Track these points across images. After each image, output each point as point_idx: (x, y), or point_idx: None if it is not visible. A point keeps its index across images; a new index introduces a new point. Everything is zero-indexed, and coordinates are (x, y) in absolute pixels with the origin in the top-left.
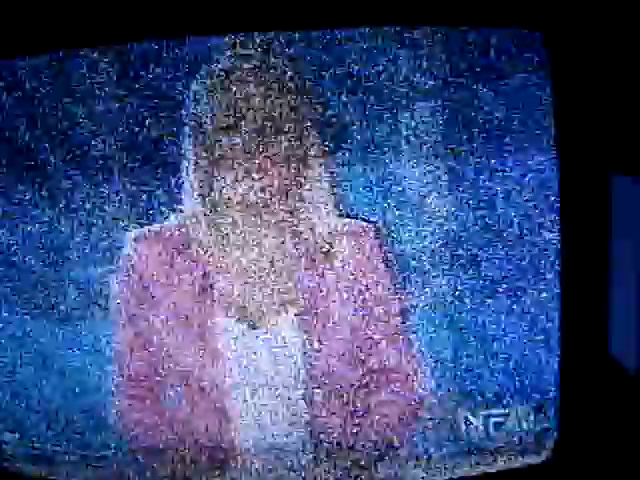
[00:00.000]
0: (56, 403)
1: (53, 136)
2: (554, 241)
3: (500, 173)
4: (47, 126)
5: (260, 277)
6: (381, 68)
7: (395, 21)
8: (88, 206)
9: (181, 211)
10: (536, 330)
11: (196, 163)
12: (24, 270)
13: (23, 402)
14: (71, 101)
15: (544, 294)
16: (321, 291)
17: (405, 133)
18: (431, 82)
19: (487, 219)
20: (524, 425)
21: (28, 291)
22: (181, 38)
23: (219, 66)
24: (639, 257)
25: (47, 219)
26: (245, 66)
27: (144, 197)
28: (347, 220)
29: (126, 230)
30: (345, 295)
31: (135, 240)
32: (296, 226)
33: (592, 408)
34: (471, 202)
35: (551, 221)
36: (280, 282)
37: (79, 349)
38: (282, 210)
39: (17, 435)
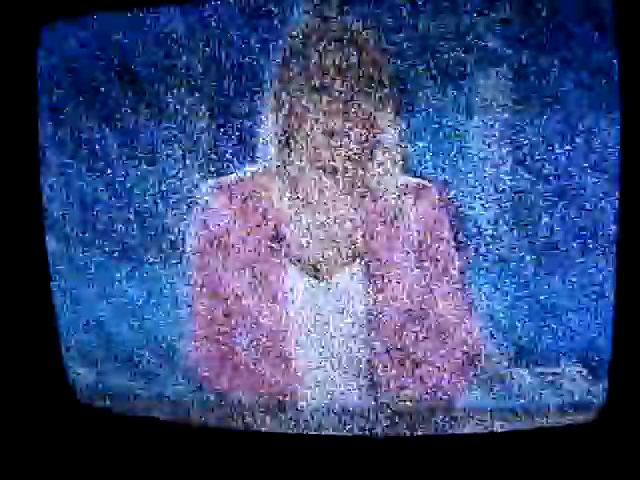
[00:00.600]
0: (130, 343)
1: (134, 83)
2: (612, 207)
3: (562, 137)
4: (129, 74)
5: (328, 231)
6: (450, 31)
7: None
8: (165, 154)
9: (256, 163)
10: (591, 292)
11: (275, 118)
12: (104, 214)
13: (99, 340)
14: (154, 52)
15: (600, 257)
16: (386, 246)
17: (470, 96)
18: (498, 46)
19: (548, 183)
20: (575, 384)
21: (107, 235)
22: None
23: (301, 26)
24: None
25: (125, 165)
26: (326, 27)
27: (221, 147)
28: (413, 178)
29: (203, 179)
30: (408, 250)
31: (211, 189)
32: (365, 183)
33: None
34: (533, 165)
35: (608, 189)
36: (347, 237)
37: (154, 292)
38: (353, 168)
39: (90, 370)
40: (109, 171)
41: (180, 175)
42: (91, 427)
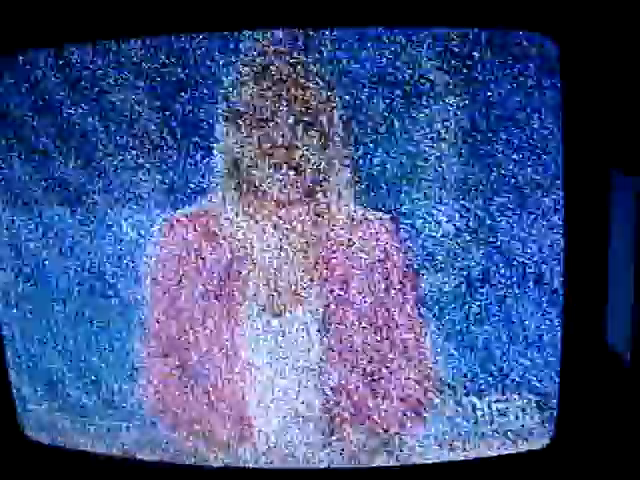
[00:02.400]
0: (85, 374)
1: (90, 116)
2: (557, 242)
3: (510, 163)
4: (86, 107)
5: (283, 266)
6: (403, 65)
7: (415, 22)
8: (120, 188)
9: (210, 197)
10: (539, 323)
11: (225, 151)
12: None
13: (50, 371)
14: (107, 86)
15: (547, 289)
16: (340, 279)
17: (424, 129)
18: (448, 80)
19: (497, 211)
20: (525, 413)
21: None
22: (215, 31)
23: (252, 59)
24: (634, 251)
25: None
26: (275, 61)
27: (175, 181)
28: (366, 210)
29: (157, 213)
30: (363, 283)
31: (165, 223)
32: (319, 216)
33: (590, 399)
34: (485, 195)
35: (554, 222)
36: (305, 270)
37: (108, 325)
38: (307, 201)
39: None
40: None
41: (134, 208)
42: (39, 464)
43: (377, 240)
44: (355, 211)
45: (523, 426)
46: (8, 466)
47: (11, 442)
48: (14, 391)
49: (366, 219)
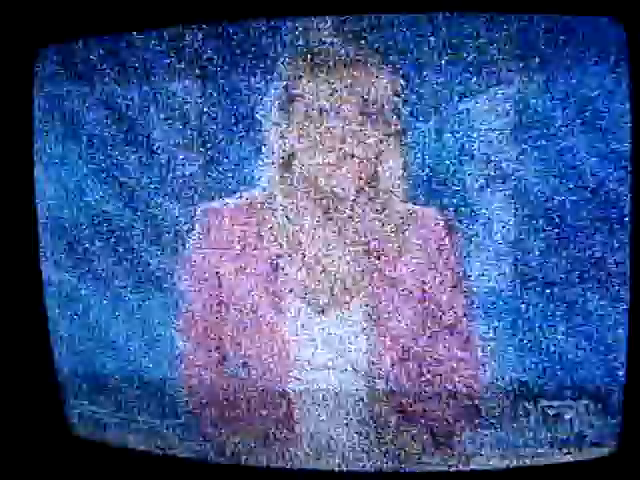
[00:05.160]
0: (127, 372)
1: (138, 108)
2: (624, 241)
3: (569, 164)
4: (130, 98)
5: (330, 263)
6: (461, 52)
7: (474, 7)
8: (165, 177)
9: (262, 188)
10: (602, 324)
11: (276, 144)
12: (106, 240)
13: (95, 370)
14: (163, 72)
15: (613, 290)
16: (389, 279)
17: (478, 119)
18: (509, 69)
19: (553, 217)
20: (585, 419)
21: (109, 259)
22: (280, 17)
23: (308, 47)
24: None
25: (130, 188)
26: (332, 49)
27: (226, 170)
28: (416, 207)
29: (199, 203)
30: (411, 283)
31: (207, 213)
32: (372, 212)
33: None
34: (539, 195)
35: (620, 228)
36: (349, 269)
37: (149, 318)
38: (359, 195)
39: (84, 403)
40: (111, 191)
41: (177, 199)
42: (86, 460)
43: (428, 237)
44: (407, 206)
45: (584, 433)
46: (55, 462)
47: (58, 438)
48: (61, 388)
49: (418, 215)
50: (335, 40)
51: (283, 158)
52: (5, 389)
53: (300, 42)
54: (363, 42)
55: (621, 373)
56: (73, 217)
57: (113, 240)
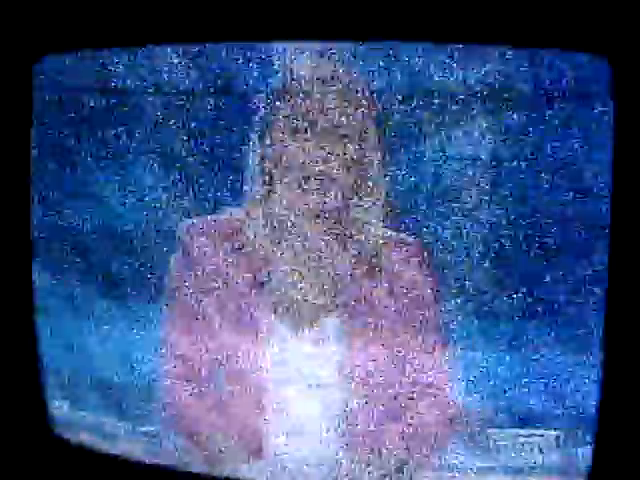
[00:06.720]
0: (107, 376)
1: (123, 123)
2: (603, 270)
3: (547, 195)
4: (115, 114)
5: (309, 281)
6: (442, 82)
7: (458, 39)
8: (150, 192)
9: (239, 205)
10: (577, 354)
11: (260, 161)
12: (87, 249)
13: (77, 373)
14: (143, 91)
15: (588, 318)
16: (365, 299)
17: (457, 150)
18: (490, 100)
19: (532, 237)
20: (557, 447)
21: (91, 270)
22: (258, 41)
23: (290, 71)
24: None
25: (113, 200)
26: (314, 72)
27: (205, 188)
28: (394, 232)
29: (185, 218)
30: (388, 305)
31: (192, 228)
32: (349, 234)
33: (627, 434)
34: (517, 222)
35: (596, 249)
36: (328, 287)
37: (133, 329)
38: (338, 218)
39: (68, 403)
40: (97, 206)
41: (165, 213)
42: (66, 461)
43: (403, 263)
44: (383, 231)
45: (553, 461)
46: (37, 462)
47: (40, 440)
48: (44, 390)
49: (394, 240)
50: (314, 65)
51: (264, 179)
52: None
53: (278, 66)
54: (342, 68)
55: (593, 404)
56: (69, 228)
57: (96, 254)
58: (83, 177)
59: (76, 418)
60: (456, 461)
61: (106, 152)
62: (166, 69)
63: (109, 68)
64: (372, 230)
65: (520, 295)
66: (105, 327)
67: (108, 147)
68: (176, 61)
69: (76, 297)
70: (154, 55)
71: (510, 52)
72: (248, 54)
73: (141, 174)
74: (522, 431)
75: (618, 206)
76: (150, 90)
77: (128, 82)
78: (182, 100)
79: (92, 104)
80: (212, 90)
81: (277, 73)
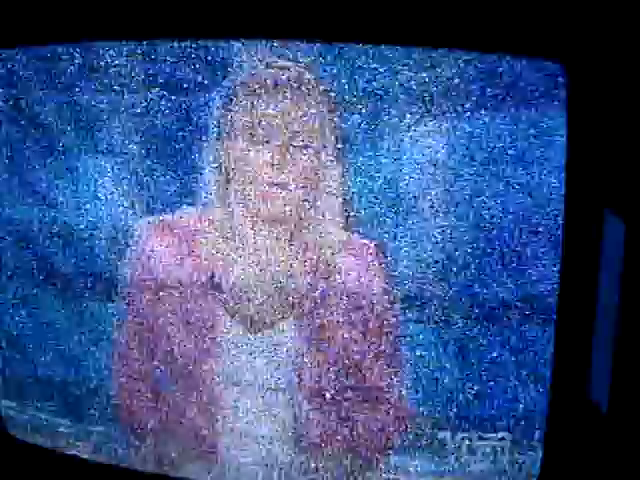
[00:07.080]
0: (57, 375)
1: (75, 120)
2: (554, 274)
3: (502, 199)
4: (70, 110)
5: (264, 283)
6: (398, 85)
7: (416, 42)
8: (103, 190)
9: (196, 205)
10: (526, 365)
11: (216, 164)
12: (39, 245)
13: (26, 372)
14: (97, 89)
15: (539, 324)
16: (321, 302)
17: (414, 152)
18: (446, 104)
19: (489, 243)
20: (504, 453)
21: (41, 265)
22: (213, 40)
23: (248, 72)
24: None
25: (61, 199)
26: (269, 76)
27: (160, 187)
28: (352, 235)
29: (140, 216)
30: (343, 308)
31: (147, 227)
32: (305, 237)
33: (576, 439)
34: (474, 224)
35: (548, 249)
36: (283, 289)
37: (84, 326)
38: (293, 221)
39: (18, 402)
40: (47, 202)
41: (119, 211)
42: (22, 461)
43: (360, 266)
44: (341, 235)
45: (502, 465)
46: None
47: None
48: None
49: (350, 244)
50: (271, 63)
51: (220, 178)
52: None
53: (237, 64)
54: (300, 67)
55: (542, 409)
56: (19, 225)
57: (47, 253)
58: (33, 175)
59: (26, 417)
60: (406, 465)
61: (58, 150)
62: (117, 66)
63: (58, 65)
64: (329, 234)
65: (470, 300)
66: (56, 326)
67: (60, 145)
68: (129, 58)
69: (26, 296)
70: (107, 52)
71: (466, 56)
72: (202, 53)
73: (93, 172)
74: (472, 435)
75: (572, 212)
76: (101, 89)
77: (79, 79)
78: (134, 98)
79: (40, 100)
80: (164, 89)
81: (233, 73)
